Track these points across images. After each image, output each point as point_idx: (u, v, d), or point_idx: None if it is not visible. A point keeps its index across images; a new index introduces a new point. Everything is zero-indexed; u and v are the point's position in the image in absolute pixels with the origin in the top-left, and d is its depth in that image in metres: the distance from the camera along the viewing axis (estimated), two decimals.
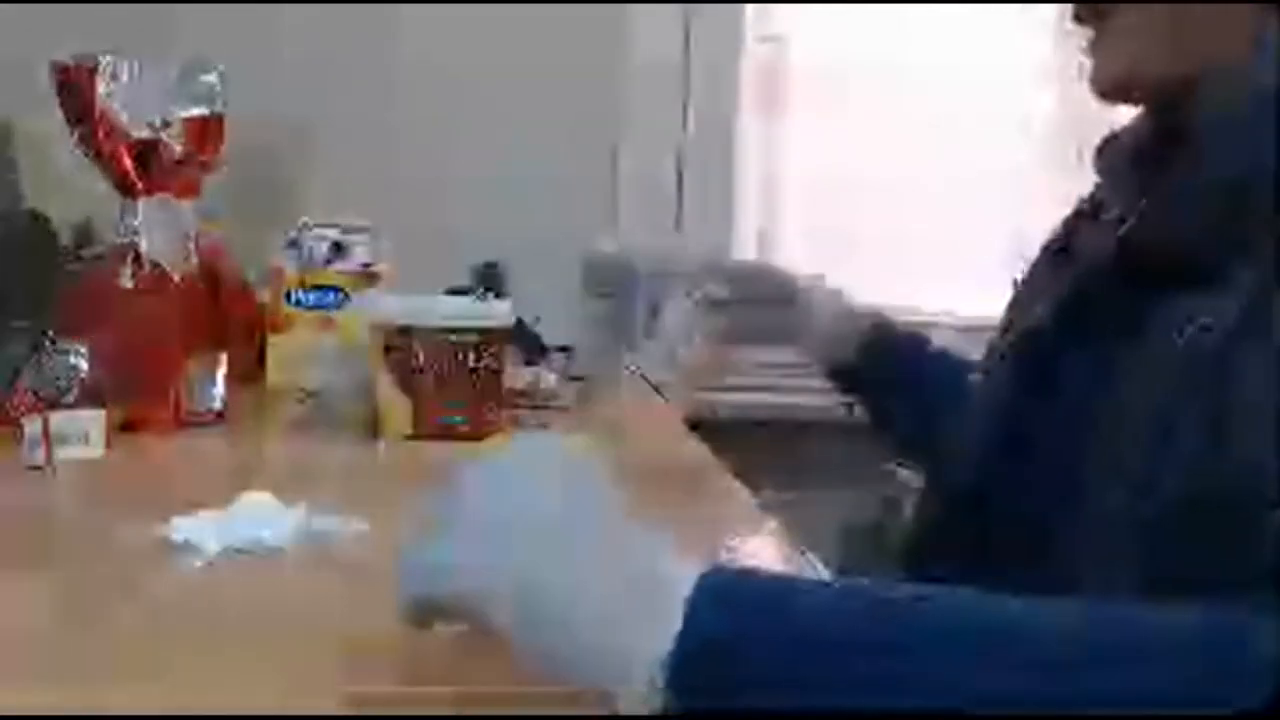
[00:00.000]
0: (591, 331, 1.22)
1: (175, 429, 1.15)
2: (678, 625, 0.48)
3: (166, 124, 1.19)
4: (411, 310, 1.17)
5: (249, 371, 1.33)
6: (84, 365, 1.06)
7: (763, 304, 1.16)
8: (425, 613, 0.55)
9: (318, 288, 1.38)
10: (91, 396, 1.04)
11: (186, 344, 1.18)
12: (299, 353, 1.35)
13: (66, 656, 0.61)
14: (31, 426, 0.97)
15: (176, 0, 1.77)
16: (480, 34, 1.92)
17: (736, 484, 1.08)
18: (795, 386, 2.03)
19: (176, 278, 1.18)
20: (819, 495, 1.77)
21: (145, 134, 1.18)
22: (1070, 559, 0.65)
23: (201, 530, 0.78)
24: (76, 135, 1.17)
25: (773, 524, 0.94)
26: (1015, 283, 0.91)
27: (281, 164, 1.76)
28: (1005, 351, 0.80)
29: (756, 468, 1.17)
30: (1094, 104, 0.75)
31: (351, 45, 1.87)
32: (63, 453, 0.98)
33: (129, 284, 1.16)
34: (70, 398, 1.03)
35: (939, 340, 1.15)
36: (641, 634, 0.48)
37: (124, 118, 1.16)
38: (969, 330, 1.20)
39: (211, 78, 1.24)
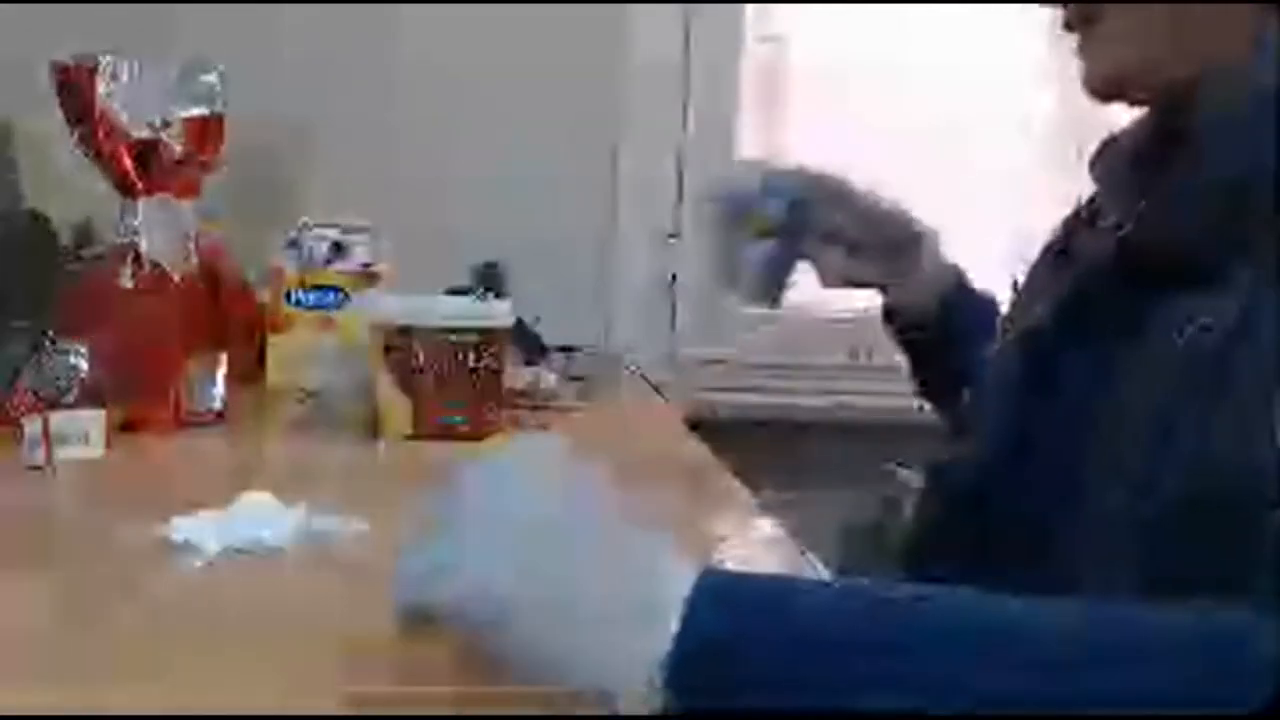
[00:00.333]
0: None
1: (175, 429, 1.15)
2: (677, 625, 0.48)
3: (166, 124, 1.19)
4: (411, 310, 1.17)
5: (249, 371, 1.33)
6: (84, 365, 1.06)
7: (887, 248, 1.08)
8: (421, 621, 0.55)
9: (318, 288, 1.38)
10: (91, 396, 1.04)
11: (186, 344, 1.18)
12: (299, 353, 1.35)
13: (66, 656, 0.61)
14: (31, 426, 0.97)
15: (176, 0, 1.77)
16: (480, 34, 1.92)
17: (736, 484, 1.08)
18: (795, 388, 2.04)
19: (176, 278, 1.18)
20: (819, 495, 1.77)
21: (145, 134, 1.18)
22: (1070, 559, 0.65)
23: (201, 530, 0.78)
24: (76, 135, 1.17)
25: (773, 524, 0.94)
26: (1014, 284, 0.91)
27: (281, 164, 1.76)
28: (1006, 351, 0.80)
29: (756, 468, 1.17)
30: (1092, 104, 0.75)
31: (351, 45, 1.87)
32: (63, 453, 0.98)
33: (129, 284, 1.16)
34: (70, 398, 1.03)
35: None
36: (641, 634, 0.48)
37: (124, 118, 1.16)
38: None
39: (211, 78, 1.24)
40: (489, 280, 1.61)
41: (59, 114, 1.17)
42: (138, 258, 1.17)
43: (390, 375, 1.15)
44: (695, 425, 1.38)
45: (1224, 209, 0.63)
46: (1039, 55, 2.02)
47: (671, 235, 2.03)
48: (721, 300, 1.14)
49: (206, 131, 1.22)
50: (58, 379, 1.04)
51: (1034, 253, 0.88)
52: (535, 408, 1.36)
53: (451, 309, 1.20)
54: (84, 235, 1.37)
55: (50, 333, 1.07)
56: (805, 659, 0.48)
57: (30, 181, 1.55)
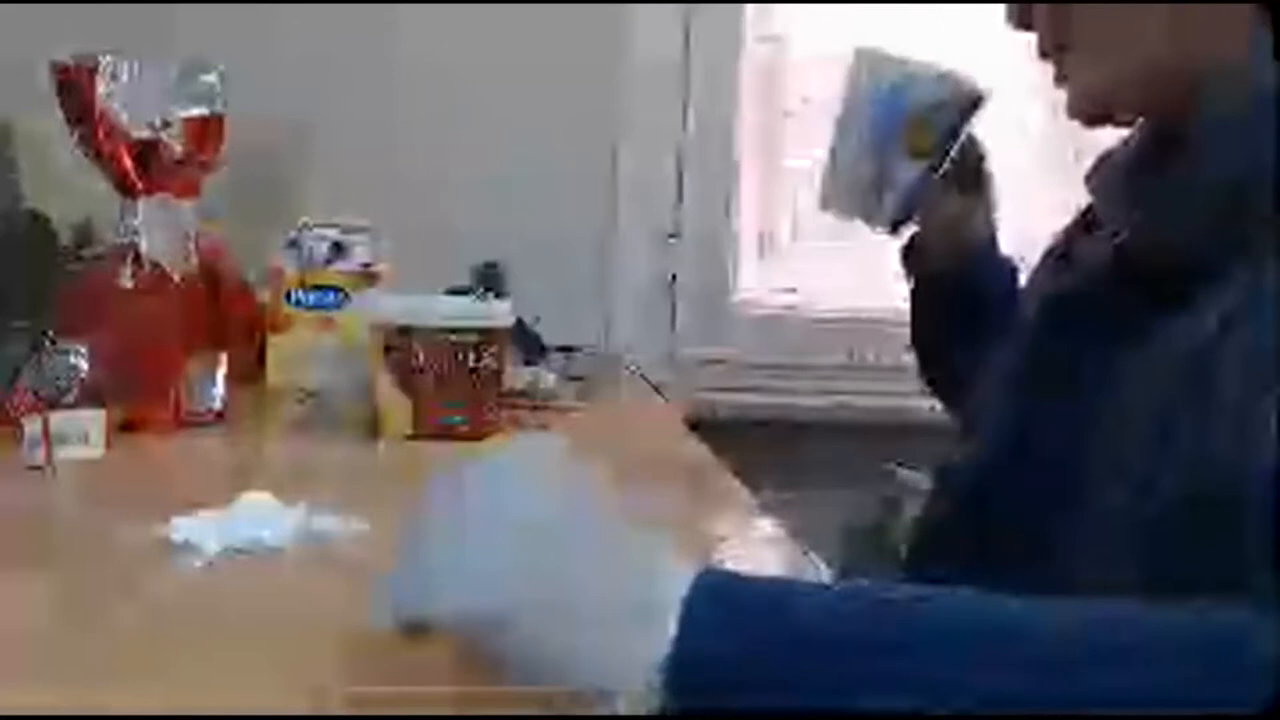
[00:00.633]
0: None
1: (175, 429, 1.15)
2: (675, 626, 0.48)
3: (166, 124, 1.19)
4: (411, 310, 1.17)
5: (249, 371, 1.33)
6: (84, 365, 1.06)
7: (962, 183, 1.02)
8: (419, 630, 0.55)
9: (318, 288, 1.38)
10: (91, 396, 1.04)
11: (186, 344, 1.18)
12: (299, 353, 1.35)
13: (66, 656, 0.61)
14: (31, 426, 0.97)
15: (176, 0, 1.77)
16: (480, 34, 1.92)
17: (736, 484, 1.08)
18: (795, 387, 2.04)
19: (176, 278, 1.18)
20: (819, 495, 1.77)
21: (145, 134, 1.18)
22: (1071, 559, 0.65)
23: (201, 530, 0.78)
24: (76, 135, 1.17)
25: (772, 524, 0.94)
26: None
27: (281, 164, 1.76)
28: (1007, 352, 0.80)
29: (756, 468, 1.17)
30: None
31: (351, 45, 1.87)
32: (63, 453, 0.98)
33: (129, 284, 1.16)
34: (70, 398, 1.03)
35: None
36: (639, 634, 0.48)
37: (124, 118, 1.16)
38: None
39: (211, 78, 1.24)
40: (489, 280, 1.61)
41: (59, 114, 1.17)
42: (138, 258, 1.17)
43: (390, 375, 1.15)
44: (695, 425, 1.38)
45: (1223, 209, 0.63)
46: (1034, 60, 2.03)
47: (671, 235, 2.03)
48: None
49: (206, 131, 1.22)
50: (58, 379, 1.04)
51: (1034, 257, 0.88)
52: (535, 408, 1.36)
53: (451, 309, 1.20)
54: (84, 235, 1.37)
55: (50, 333, 1.07)
56: (804, 659, 0.48)
57: (30, 181, 1.55)
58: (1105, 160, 0.80)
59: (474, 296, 1.36)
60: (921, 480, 1.43)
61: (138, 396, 1.11)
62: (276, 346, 1.37)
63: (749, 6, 2.09)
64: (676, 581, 0.49)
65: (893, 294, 1.21)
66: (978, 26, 2.06)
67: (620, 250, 2.00)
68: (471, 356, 1.16)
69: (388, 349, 1.16)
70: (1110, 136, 0.80)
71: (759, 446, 1.56)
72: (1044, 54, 0.76)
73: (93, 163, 1.17)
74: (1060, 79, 0.75)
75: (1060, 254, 0.83)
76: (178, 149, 1.20)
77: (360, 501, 0.85)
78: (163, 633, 0.64)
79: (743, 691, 0.48)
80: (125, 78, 1.16)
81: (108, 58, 1.15)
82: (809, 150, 2.13)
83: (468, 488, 0.55)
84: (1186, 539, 0.57)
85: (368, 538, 0.80)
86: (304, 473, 1.06)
